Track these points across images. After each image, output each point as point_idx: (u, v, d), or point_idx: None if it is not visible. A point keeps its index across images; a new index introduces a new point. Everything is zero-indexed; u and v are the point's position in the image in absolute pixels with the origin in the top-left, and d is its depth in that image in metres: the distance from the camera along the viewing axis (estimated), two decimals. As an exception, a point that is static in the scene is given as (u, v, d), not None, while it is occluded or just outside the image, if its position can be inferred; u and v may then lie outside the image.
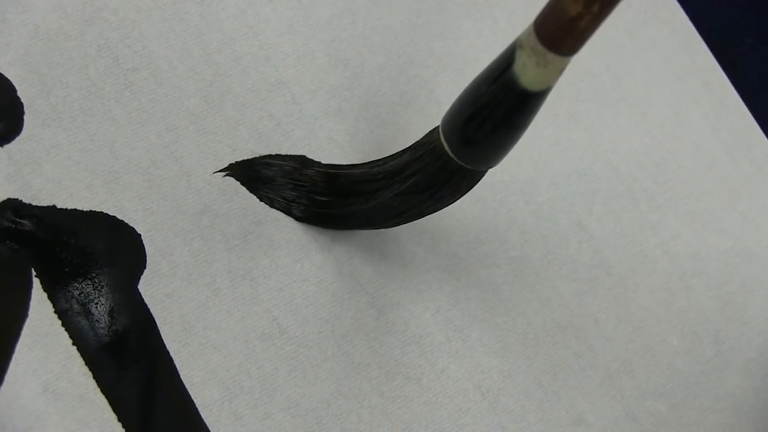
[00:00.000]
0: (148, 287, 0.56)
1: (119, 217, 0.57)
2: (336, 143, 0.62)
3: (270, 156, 0.59)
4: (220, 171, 0.59)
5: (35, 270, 0.54)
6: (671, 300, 0.66)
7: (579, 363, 0.62)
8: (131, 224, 0.57)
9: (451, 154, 0.46)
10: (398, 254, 0.60)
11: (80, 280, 0.55)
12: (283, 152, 0.61)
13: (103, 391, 0.54)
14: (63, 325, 0.54)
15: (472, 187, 0.50)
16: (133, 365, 0.55)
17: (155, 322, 0.56)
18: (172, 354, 0.55)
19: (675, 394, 0.64)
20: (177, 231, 0.58)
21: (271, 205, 0.59)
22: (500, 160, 0.47)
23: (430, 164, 0.48)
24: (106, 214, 0.57)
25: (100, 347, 0.54)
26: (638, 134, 0.70)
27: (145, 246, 0.57)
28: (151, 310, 0.56)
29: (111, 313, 0.55)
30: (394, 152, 0.54)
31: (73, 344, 0.54)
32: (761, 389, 0.65)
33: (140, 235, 0.57)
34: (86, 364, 0.54)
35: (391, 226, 0.58)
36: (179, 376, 0.55)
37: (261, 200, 0.59)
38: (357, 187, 0.55)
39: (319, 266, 0.59)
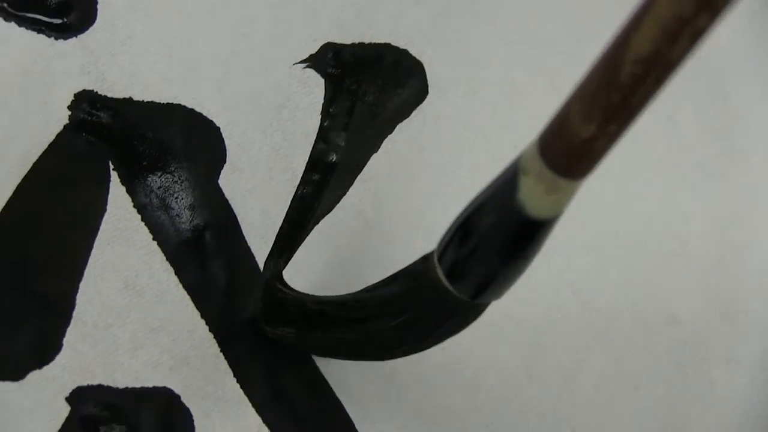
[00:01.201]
0: (228, 182, 0.53)
1: (197, 109, 0.53)
2: (422, 32, 0.57)
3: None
4: (300, 62, 0.55)
5: (112, 163, 0.51)
6: (765, 196, 0.61)
7: (671, 261, 0.58)
8: (209, 117, 0.53)
9: (452, 290, 0.38)
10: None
11: (159, 174, 0.52)
12: (366, 41, 0.56)
13: (185, 287, 0.50)
14: (143, 219, 0.51)
15: (478, 317, 0.42)
16: (215, 261, 0.51)
17: (236, 218, 0.52)
18: (253, 250, 0.52)
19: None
20: (256, 125, 0.54)
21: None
22: (508, 289, 0.39)
23: (427, 300, 0.40)
24: (184, 106, 0.53)
25: (180, 242, 0.51)
26: (726, 26, 0.65)
27: (225, 140, 0.53)
28: (232, 205, 0.52)
29: (191, 207, 0.52)
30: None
31: (154, 239, 0.51)
32: None
33: (219, 128, 0.53)
34: (167, 259, 0.51)
35: (385, 360, 0.50)
36: (260, 267, 0.51)
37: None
38: (340, 313, 0.46)
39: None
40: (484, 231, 0.35)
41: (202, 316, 0.51)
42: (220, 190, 0.53)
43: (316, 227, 0.54)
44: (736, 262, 0.60)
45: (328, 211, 0.54)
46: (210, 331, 0.51)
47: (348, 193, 0.55)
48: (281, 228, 0.53)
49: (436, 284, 0.38)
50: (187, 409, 0.49)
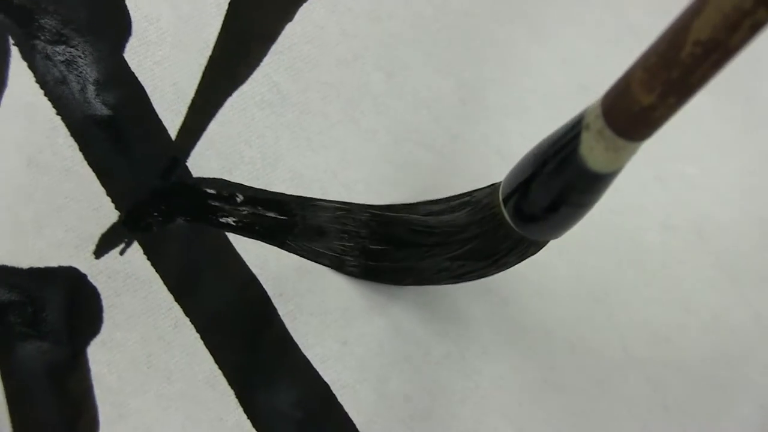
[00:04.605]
0: (134, 55, 0.45)
1: (101, -19, 0.45)
2: None
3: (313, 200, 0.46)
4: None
5: (12, 38, 0.44)
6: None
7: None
8: (114, -12, 0.45)
9: (513, 226, 0.37)
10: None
11: (62, 48, 0.44)
12: None
13: (90, 164, 0.43)
14: (45, 95, 0.44)
15: (538, 251, 0.40)
16: (122, 136, 0.44)
17: (145, 91, 0.44)
18: (165, 123, 0.44)
19: (706, 157, 0.51)
20: (164, -5, 0.46)
21: (317, 260, 0.46)
22: (566, 232, 0.38)
23: (490, 231, 0.39)
24: (87, -23, 0.45)
25: (85, 117, 0.44)
26: None
27: (130, 12, 0.45)
28: (140, 79, 0.44)
29: (96, 82, 0.44)
30: (451, 195, 0.43)
31: (57, 114, 0.43)
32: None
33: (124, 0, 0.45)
34: (72, 135, 0.43)
35: (448, 283, 0.46)
36: (173, 141, 0.44)
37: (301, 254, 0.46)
38: (412, 238, 0.43)
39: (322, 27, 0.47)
40: (546, 179, 0.34)
41: (108, 194, 0.43)
42: (125, 63, 0.45)
43: (229, 99, 0.46)
44: (670, 126, 0.52)
45: (242, 83, 0.46)
46: (116, 208, 0.43)
47: (262, 63, 0.46)
48: (193, 100, 0.45)
49: (499, 219, 0.38)
50: (94, 288, 0.42)
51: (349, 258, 0.45)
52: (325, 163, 0.47)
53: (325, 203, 0.46)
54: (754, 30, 0.26)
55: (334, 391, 0.45)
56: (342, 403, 0.45)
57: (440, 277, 0.44)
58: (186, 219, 0.44)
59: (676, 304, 0.49)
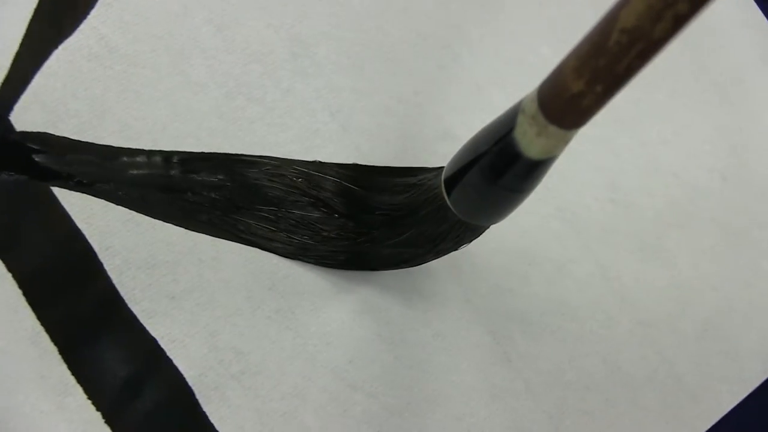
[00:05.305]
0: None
1: None
2: None
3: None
4: None
5: None
6: (541, 10, 0.52)
7: (445, 74, 0.49)
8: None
9: (452, 207, 0.37)
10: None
11: None
12: None
13: None
14: None
15: (475, 238, 0.41)
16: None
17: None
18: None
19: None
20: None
21: (244, 235, 0.46)
22: (503, 218, 0.38)
23: (430, 214, 0.39)
24: None
25: None
26: None
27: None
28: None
29: None
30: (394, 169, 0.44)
31: None
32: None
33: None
34: None
35: (386, 269, 0.46)
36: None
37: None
38: (366, 218, 0.44)
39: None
40: (484, 161, 0.34)
41: None
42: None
43: (55, 51, 0.44)
44: (512, 77, 0.51)
45: (69, 35, 0.45)
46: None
47: (89, 15, 0.45)
48: (18, 53, 0.44)
49: (439, 201, 0.38)
50: None
51: (281, 234, 0.45)
52: (155, 116, 0.45)
53: (255, 158, 0.45)
54: (677, 22, 0.26)
55: (162, 346, 0.44)
56: (172, 357, 0.44)
57: (381, 264, 0.45)
58: (9, 174, 0.43)
59: (519, 255, 0.49)
